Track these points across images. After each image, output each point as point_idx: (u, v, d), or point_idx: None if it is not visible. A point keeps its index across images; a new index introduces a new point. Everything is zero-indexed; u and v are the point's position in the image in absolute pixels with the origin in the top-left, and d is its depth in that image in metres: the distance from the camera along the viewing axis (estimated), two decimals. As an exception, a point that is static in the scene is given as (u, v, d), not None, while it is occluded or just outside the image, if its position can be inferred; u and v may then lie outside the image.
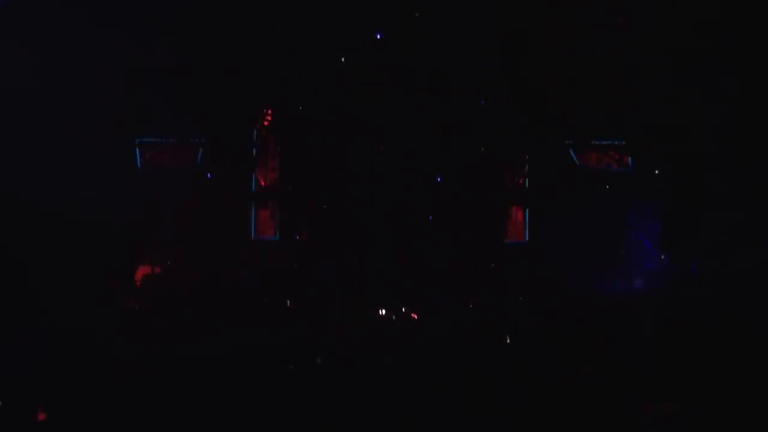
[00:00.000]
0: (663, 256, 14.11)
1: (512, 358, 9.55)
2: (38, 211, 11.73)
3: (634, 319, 11.16)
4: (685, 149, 13.47)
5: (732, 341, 9.20)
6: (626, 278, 14.11)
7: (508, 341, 10.42)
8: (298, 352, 9.49)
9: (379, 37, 14.42)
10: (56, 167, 12.42)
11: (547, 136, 14.45)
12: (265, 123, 14.76)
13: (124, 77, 13.26)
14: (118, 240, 12.88)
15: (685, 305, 11.64)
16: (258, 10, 13.87)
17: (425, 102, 14.23)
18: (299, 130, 14.74)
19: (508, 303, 13.75)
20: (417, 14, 14.24)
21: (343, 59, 14.47)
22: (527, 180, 15.05)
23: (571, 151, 14.61)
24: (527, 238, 14.90)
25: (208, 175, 14.60)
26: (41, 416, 7.33)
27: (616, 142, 14.52)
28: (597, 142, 14.66)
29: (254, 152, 14.91)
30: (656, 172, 14.26)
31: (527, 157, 15.00)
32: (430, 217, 14.81)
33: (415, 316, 13.32)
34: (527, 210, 14.93)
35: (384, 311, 13.39)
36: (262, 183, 14.95)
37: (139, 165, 14.23)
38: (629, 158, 14.51)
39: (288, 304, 13.72)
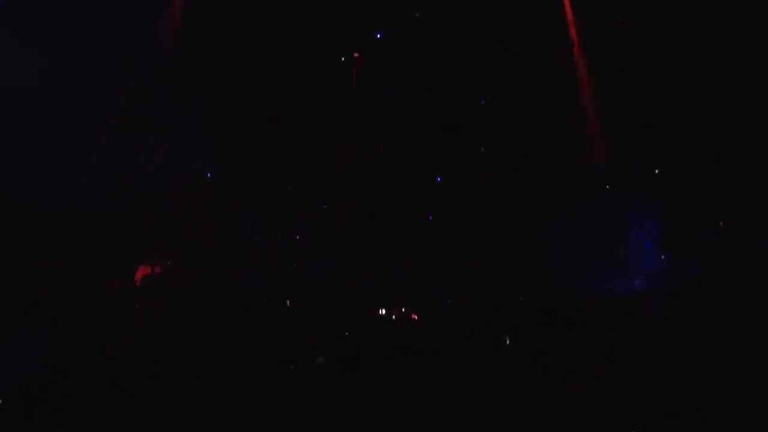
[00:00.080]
0: (663, 256, 14.11)
1: (512, 358, 9.55)
2: (38, 210, 11.72)
3: (634, 319, 11.16)
4: (685, 149, 13.47)
5: (732, 341, 9.19)
6: (626, 278, 14.11)
7: (508, 341, 10.41)
8: (298, 352, 9.49)
9: (379, 37, 14.42)
10: (56, 167, 12.41)
11: (547, 135, 14.44)
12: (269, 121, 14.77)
13: (124, 76, 13.26)
14: (118, 240, 12.87)
15: (685, 305, 11.63)
16: (258, 10, 13.87)
17: (425, 102, 14.23)
18: (299, 130, 14.73)
19: (508, 303, 13.74)
20: (417, 14, 14.24)
21: (343, 59, 14.48)
22: (527, 180, 15.05)
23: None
24: (527, 238, 14.89)
25: (208, 175, 14.60)
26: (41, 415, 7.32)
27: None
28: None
29: (254, 152, 14.91)
30: (656, 172, 14.26)
31: (527, 157, 15.00)
32: (430, 217, 14.82)
33: (415, 317, 13.32)
34: (528, 210, 14.92)
35: (384, 311, 13.39)
36: (263, 183, 14.96)
37: (139, 165, 14.23)
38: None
39: (288, 304, 13.72)
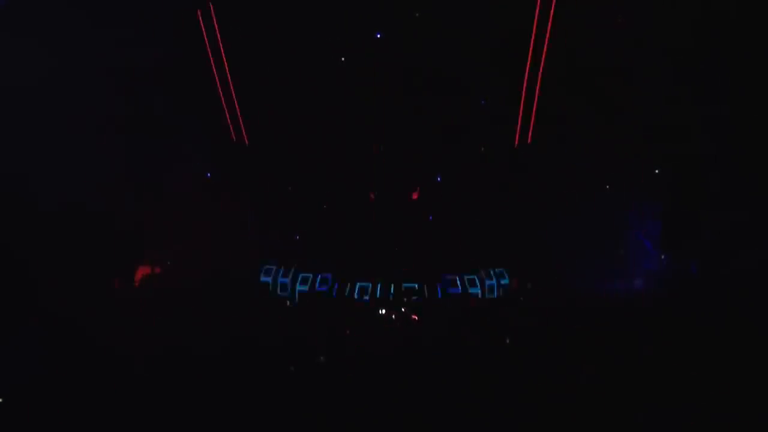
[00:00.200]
0: (663, 256, 14.11)
1: (512, 358, 9.54)
2: (38, 210, 11.72)
3: (634, 319, 11.16)
4: (685, 149, 13.47)
5: (732, 341, 9.19)
6: (626, 278, 14.11)
7: (507, 341, 10.41)
8: (298, 352, 9.49)
9: (379, 37, 14.42)
10: (57, 167, 12.41)
11: (547, 135, 14.45)
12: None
13: (124, 76, 13.26)
14: (118, 240, 12.88)
15: (685, 305, 11.63)
16: (257, 9, 13.88)
17: (425, 102, 14.24)
18: (299, 130, 14.73)
19: (508, 303, 13.75)
20: (417, 14, 14.25)
21: (343, 59, 14.48)
22: (527, 180, 15.04)
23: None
24: (527, 238, 14.89)
25: (208, 175, 14.61)
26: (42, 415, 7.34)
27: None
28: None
29: (254, 152, 14.91)
30: (656, 172, 14.26)
31: (527, 157, 15.00)
32: (430, 218, 14.82)
33: (415, 317, 13.32)
34: (527, 210, 14.92)
35: (384, 311, 13.39)
36: (263, 183, 14.96)
37: (140, 165, 14.23)
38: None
39: (288, 304, 13.72)
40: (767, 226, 12.44)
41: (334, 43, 14.31)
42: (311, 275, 14.05)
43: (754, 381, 7.78)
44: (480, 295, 13.99)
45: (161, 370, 8.55)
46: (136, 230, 13.38)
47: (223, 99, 14.17)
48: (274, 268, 14.34)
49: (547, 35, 13.65)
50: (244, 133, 14.56)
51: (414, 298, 13.61)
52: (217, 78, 14.01)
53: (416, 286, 13.85)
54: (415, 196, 14.24)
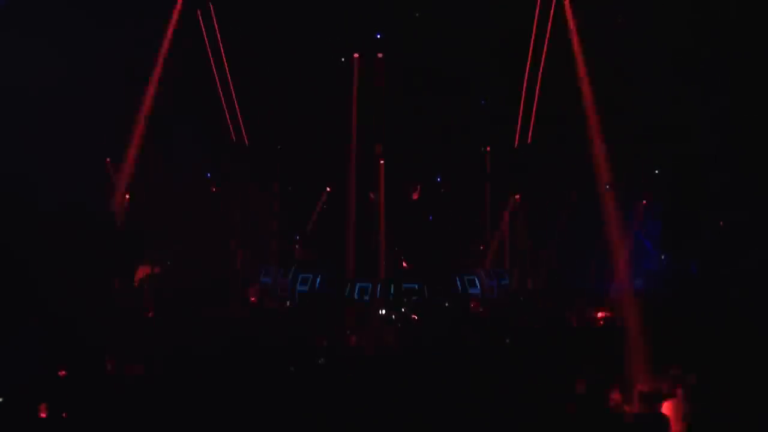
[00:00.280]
0: (663, 256, 14.11)
1: (512, 358, 9.54)
2: (38, 211, 11.70)
3: (634, 319, 11.14)
4: (685, 149, 13.47)
5: (732, 341, 9.19)
6: (626, 278, 14.10)
7: (507, 341, 10.40)
8: (298, 352, 9.48)
9: (379, 37, 14.44)
10: (57, 167, 12.40)
11: (547, 135, 14.45)
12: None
13: (124, 77, 13.27)
14: (118, 240, 12.86)
15: (685, 305, 11.63)
16: (257, 9, 13.88)
17: (425, 102, 14.25)
18: (299, 130, 14.75)
19: (508, 303, 13.75)
20: (417, 14, 14.26)
21: (343, 59, 14.49)
22: (527, 179, 15.06)
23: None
24: (527, 239, 14.91)
25: (208, 175, 14.62)
26: (42, 414, 7.33)
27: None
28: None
29: (254, 152, 14.93)
30: (656, 172, 14.27)
31: (527, 157, 15.01)
32: (430, 218, 14.84)
33: (415, 317, 13.32)
34: (528, 210, 14.94)
35: (384, 311, 13.39)
36: (263, 184, 14.98)
37: (140, 165, 14.23)
38: None
39: (288, 304, 13.73)
40: (767, 226, 12.44)
41: (334, 43, 14.32)
42: (311, 276, 14.06)
43: (754, 381, 7.78)
44: (480, 295, 14.00)
45: (161, 370, 8.54)
46: (136, 230, 13.38)
47: (223, 99, 14.17)
48: (274, 268, 14.36)
49: (547, 35, 13.65)
50: (244, 133, 14.57)
51: (414, 298, 13.61)
52: (217, 78, 14.01)
53: (416, 286, 13.86)
54: (415, 196, 14.24)
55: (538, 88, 13.96)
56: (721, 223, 13.21)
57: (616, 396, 7.20)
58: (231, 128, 14.52)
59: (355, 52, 14.41)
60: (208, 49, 13.87)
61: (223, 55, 13.94)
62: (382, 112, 14.45)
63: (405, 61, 14.21)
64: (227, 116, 14.36)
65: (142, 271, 13.90)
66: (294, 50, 14.04)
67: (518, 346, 10.02)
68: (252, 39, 13.99)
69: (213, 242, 14.14)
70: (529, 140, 14.62)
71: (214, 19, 13.76)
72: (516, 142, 14.79)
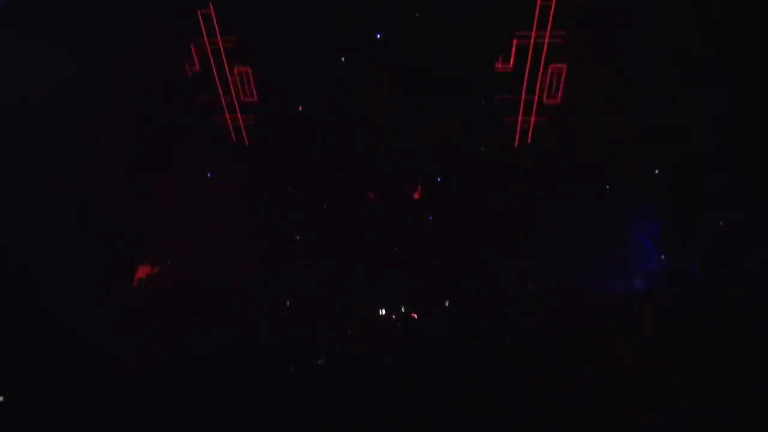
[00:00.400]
0: (663, 256, 14.11)
1: (512, 358, 9.54)
2: (38, 210, 11.72)
3: (634, 319, 11.16)
4: (685, 149, 13.47)
5: (732, 341, 9.19)
6: (626, 278, 14.11)
7: (508, 341, 10.41)
8: (298, 352, 9.49)
9: (379, 37, 14.42)
10: (57, 166, 12.41)
11: (547, 135, 14.44)
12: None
13: (124, 77, 13.27)
14: (118, 240, 12.87)
15: (685, 305, 11.64)
16: (257, 9, 13.87)
17: (425, 102, 14.24)
18: (299, 130, 14.74)
19: (508, 303, 13.74)
20: (417, 14, 14.24)
21: (343, 59, 14.48)
22: (528, 179, 15.04)
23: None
24: (527, 237, 14.89)
25: (208, 175, 14.61)
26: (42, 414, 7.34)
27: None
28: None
29: (254, 152, 14.91)
30: (656, 172, 14.26)
31: (527, 156, 14.99)
32: (430, 218, 14.82)
33: (415, 316, 13.32)
34: (527, 209, 14.92)
35: (384, 311, 13.39)
36: (263, 183, 14.96)
37: (140, 165, 14.23)
38: None
39: (288, 304, 13.72)
40: (767, 226, 12.44)
41: (334, 43, 14.31)
42: (310, 275, 14.05)
43: (755, 381, 7.78)
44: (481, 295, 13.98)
45: (161, 370, 8.55)
46: (136, 230, 13.38)
47: (223, 99, 14.18)
48: (274, 268, 14.34)
49: (547, 35, 13.65)
50: (244, 133, 14.56)
51: (414, 298, 13.60)
52: (217, 78, 14.02)
53: (416, 286, 13.84)
54: (416, 195, 14.25)
55: (538, 87, 13.95)
56: (721, 223, 13.20)
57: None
58: (231, 128, 14.52)
59: (355, 52, 14.40)
60: (208, 49, 13.88)
61: (223, 54, 13.94)
62: (382, 112, 14.44)
63: (405, 61, 14.20)
64: (227, 116, 14.36)
65: (142, 271, 13.90)
66: (293, 50, 14.03)
67: (518, 346, 10.04)
68: (252, 39, 13.99)
69: (213, 242, 14.12)
70: (529, 140, 14.61)
71: (214, 20, 13.76)
72: (516, 142, 14.78)
